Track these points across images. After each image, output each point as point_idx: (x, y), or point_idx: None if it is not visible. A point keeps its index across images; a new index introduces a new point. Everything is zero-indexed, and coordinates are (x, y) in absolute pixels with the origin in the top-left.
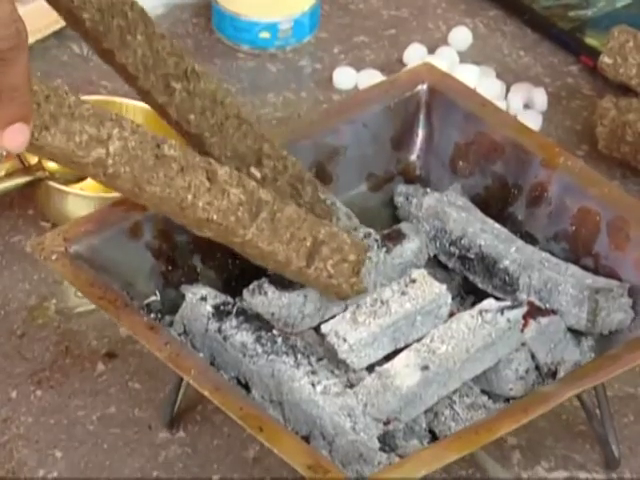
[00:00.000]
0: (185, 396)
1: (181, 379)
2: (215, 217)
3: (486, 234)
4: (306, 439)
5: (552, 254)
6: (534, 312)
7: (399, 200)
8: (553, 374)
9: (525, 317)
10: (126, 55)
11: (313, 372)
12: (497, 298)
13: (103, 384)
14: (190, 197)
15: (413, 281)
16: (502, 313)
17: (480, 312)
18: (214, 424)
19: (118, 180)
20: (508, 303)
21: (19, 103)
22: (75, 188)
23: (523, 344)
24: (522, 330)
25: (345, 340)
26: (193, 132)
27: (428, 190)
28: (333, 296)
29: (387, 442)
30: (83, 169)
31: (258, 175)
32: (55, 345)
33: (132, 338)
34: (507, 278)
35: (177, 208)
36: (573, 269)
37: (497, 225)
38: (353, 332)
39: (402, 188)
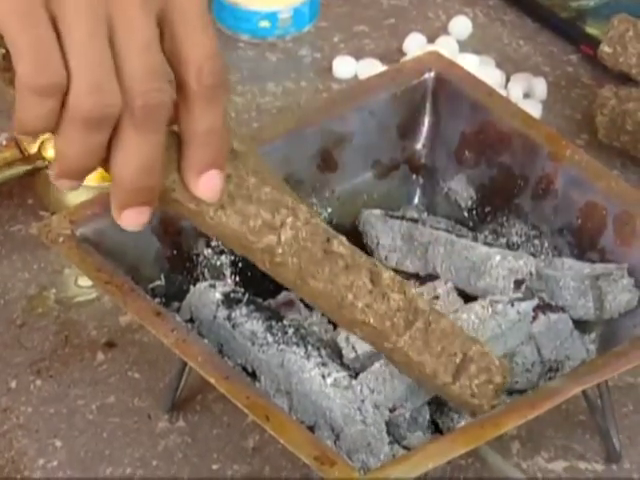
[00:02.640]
0: (186, 384)
1: (184, 366)
2: (372, 320)
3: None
4: (310, 429)
5: (557, 248)
6: (544, 307)
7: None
8: (557, 369)
9: (535, 311)
10: None
11: (324, 364)
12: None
13: (103, 373)
14: (351, 297)
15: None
16: (512, 305)
17: (491, 303)
18: (214, 413)
19: (283, 269)
20: (519, 295)
21: (215, 148)
22: None
23: (530, 337)
24: (531, 322)
25: (354, 349)
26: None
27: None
28: (468, 412)
29: (391, 432)
30: (250, 254)
31: None
32: (55, 334)
33: (132, 327)
34: None
35: (335, 306)
36: (569, 262)
37: (472, 243)
38: (363, 343)
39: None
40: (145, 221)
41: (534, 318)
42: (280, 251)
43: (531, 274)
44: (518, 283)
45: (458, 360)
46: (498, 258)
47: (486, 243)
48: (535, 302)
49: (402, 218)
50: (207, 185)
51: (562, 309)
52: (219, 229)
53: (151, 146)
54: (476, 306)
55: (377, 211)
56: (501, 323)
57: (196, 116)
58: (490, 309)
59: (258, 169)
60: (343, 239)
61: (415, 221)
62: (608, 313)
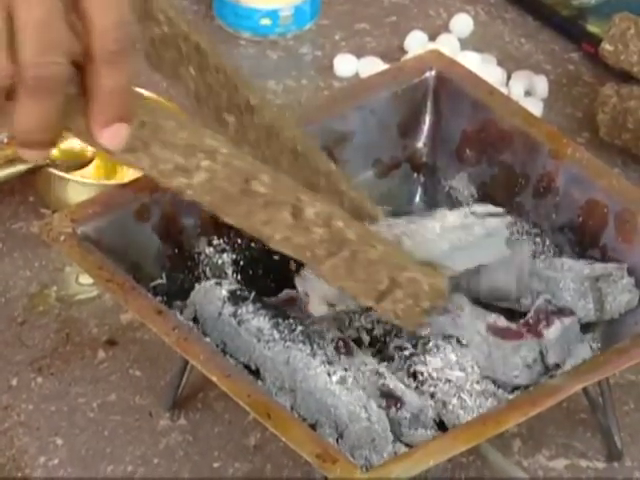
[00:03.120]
0: (187, 383)
1: (185, 364)
2: (290, 252)
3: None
4: (312, 428)
5: (558, 246)
6: (558, 312)
7: None
8: (558, 367)
9: (550, 316)
10: (178, 88)
11: (329, 362)
12: (501, 307)
13: (104, 371)
14: (268, 230)
15: None
16: (483, 220)
17: (465, 215)
18: (215, 411)
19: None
20: (497, 211)
21: (119, 105)
22: (76, 175)
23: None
24: (547, 328)
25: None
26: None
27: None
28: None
29: (393, 429)
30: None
31: None
32: (56, 332)
33: (133, 325)
34: None
35: (255, 235)
36: (569, 262)
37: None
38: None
39: None
40: (45, 156)
41: (548, 324)
42: (190, 192)
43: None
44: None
45: (383, 286)
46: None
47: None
48: (507, 219)
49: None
50: (110, 137)
51: (572, 311)
52: (132, 166)
53: (45, 110)
54: (449, 215)
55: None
56: (462, 237)
57: (100, 78)
58: (459, 221)
59: (180, 120)
60: (266, 178)
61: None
62: (608, 314)
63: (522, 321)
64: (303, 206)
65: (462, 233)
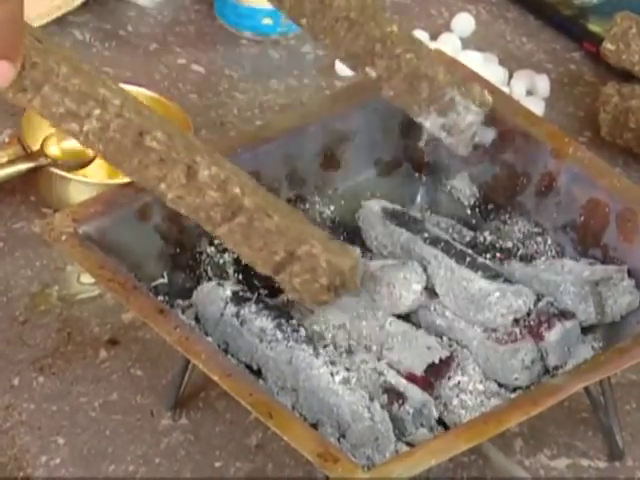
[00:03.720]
0: (189, 382)
1: (187, 364)
2: (183, 210)
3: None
4: (314, 427)
5: (560, 245)
6: (560, 315)
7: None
8: (560, 367)
9: (551, 319)
10: None
11: (332, 362)
12: None
13: (105, 371)
14: (163, 186)
15: None
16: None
17: None
18: (217, 411)
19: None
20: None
21: (11, 38)
22: (78, 175)
23: (539, 349)
24: (548, 331)
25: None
26: (308, 34)
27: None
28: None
29: (397, 426)
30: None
31: (374, 74)
32: (57, 332)
33: (135, 325)
34: None
35: (150, 190)
36: (569, 264)
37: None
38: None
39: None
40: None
41: (550, 326)
42: (82, 139)
43: (530, 311)
44: (517, 320)
45: (279, 258)
46: (497, 295)
47: (487, 276)
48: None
49: (402, 221)
50: None
51: (573, 314)
52: (24, 105)
53: None
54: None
55: (377, 208)
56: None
57: None
58: None
59: (75, 65)
60: (160, 135)
61: (416, 222)
62: (609, 317)
63: (523, 323)
64: (198, 168)
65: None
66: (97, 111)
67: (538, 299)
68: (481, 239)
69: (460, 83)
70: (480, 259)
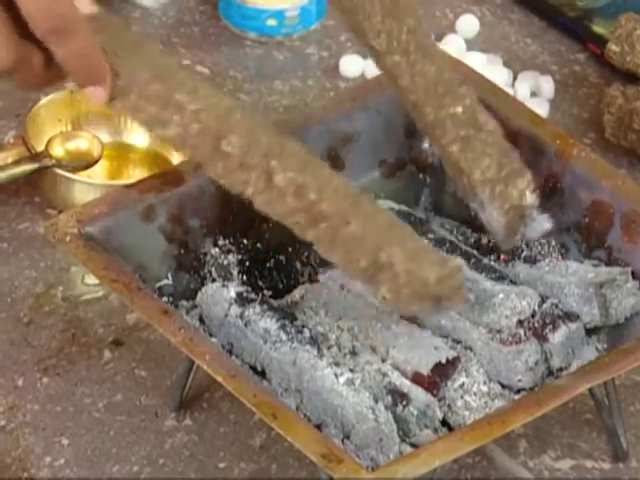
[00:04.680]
0: (193, 383)
1: (191, 365)
2: (274, 217)
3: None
4: (318, 428)
5: (564, 246)
6: (564, 317)
7: None
8: (564, 369)
9: (557, 320)
10: None
11: (336, 364)
12: None
13: (110, 372)
14: (250, 191)
15: None
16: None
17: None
18: (221, 412)
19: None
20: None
21: (91, 70)
22: (82, 176)
23: (543, 351)
24: (553, 333)
25: None
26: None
27: None
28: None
29: (401, 428)
30: None
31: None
32: (62, 332)
33: (139, 326)
34: None
35: (240, 195)
36: (573, 266)
37: (476, 276)
38: None
39: None
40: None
41: (554, 328)
42: (172, 144)
43: (534, 312)
44: (521, 322)
45: (362, 264)
46: (501, 296)
47: (491, 278)
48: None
49: (408, 222)
50: (91, 94)
51: (578, 316)
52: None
53: (80, 43)
54: None
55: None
56: None
57: (53, 51)
58: None
59: (159, 72)
60: (235, 140)
61: (421, 222)
62: (614, 319)
63: (527, 325)
64: (273, 172)
65: None
66: (176, 116)
67: (542, 300)
68: (485, 241)
69: (498, 182)
70: (485, 260)
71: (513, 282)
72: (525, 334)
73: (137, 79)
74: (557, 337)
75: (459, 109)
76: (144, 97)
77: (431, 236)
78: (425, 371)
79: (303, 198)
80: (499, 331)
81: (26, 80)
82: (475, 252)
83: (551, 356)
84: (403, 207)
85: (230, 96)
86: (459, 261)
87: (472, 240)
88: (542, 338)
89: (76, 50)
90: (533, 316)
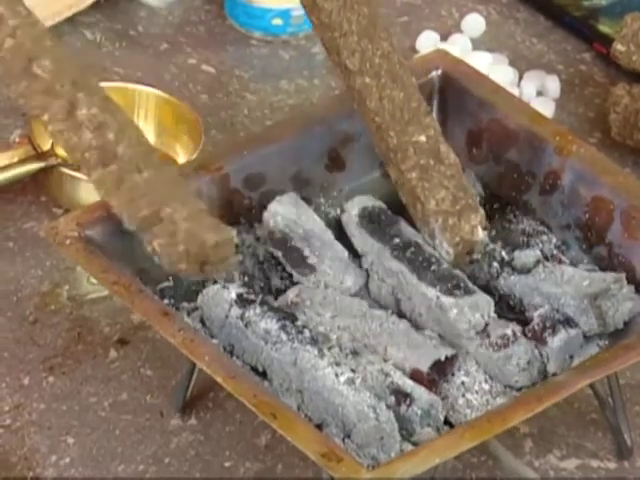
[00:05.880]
0: (197, 382)
1: (194, 365)
2: (64, 149)
3: None
4: (318, 428)
5: (564, 243)
6: (564, 322)
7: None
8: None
9: (557, 324)
10: None
11: (337, 363)
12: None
13: (115, 371)
14: (46, 117)
15: None
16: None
17: None
18: (226, 411)
19: None
20: None
21: None
22: None
23: (543, 356)
24: (552, 336)
25: None
26: None
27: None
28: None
29: (404, 427)
30: None
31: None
32: (67, 331)
33: (144, 325)
34: (511, 302)
35: (35, 117)
36: (568, 271)
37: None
38: None
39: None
40: None
41: (554, 332)
42: None
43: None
44: (480, 332)
45: (142, 215)
46: (455, 312)
47: (446, 290)
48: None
49: (376, 228)
50: None
51: (577, 324)
52: None
53: None
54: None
55: (354, 212)
56: None
57: None
58: None
59: None
60: (48, 64)
61: (390, 223)
62: (612, 327)
63: (527, 328)
64: (78, 104)
65: None
66: None
67: (497, 302)
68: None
69: (452, 214)
70: (444, 265)
71: (467, 289)
72: (514, 334)
73: None
74: (556, 341)
75: (422, 138)
76: None
77: (397, 241)
78: (424, 368)
79: (101, 137)
80: (488, 335)
81: None
82: (437, 256)
83: (548, 360)
84: (378, 203)
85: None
86: (233, 234)
87: None
88: (541, 341)
89: None
90: (529, 322)
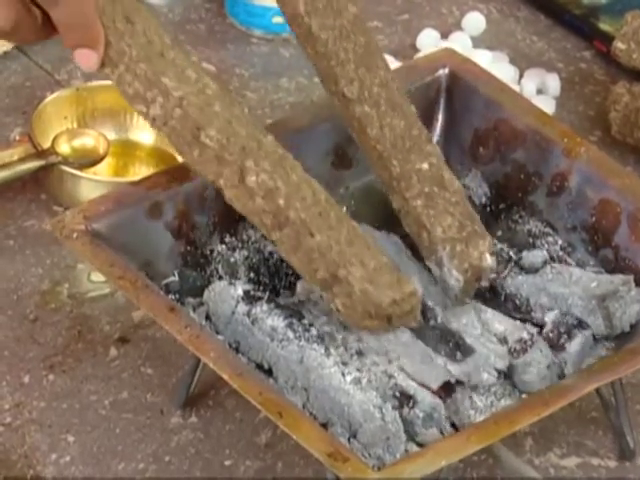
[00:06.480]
0: (199, 380)
1: (197, 362)
2: (241, 212)
3: None
4: (324, 427)
5: (571, 245)
6: (578, 325)
7: None
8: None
9: (572, 329)
10: None
11: (344, 362)
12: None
13: (115, 369)
14: (221, 182)
15: None
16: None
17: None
18: (226, 409)
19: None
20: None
21: (84, 30)
22: (88, 173)
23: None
24: (569, 342)
25: None
26: None
27: None
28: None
29: (407, 429)
30: None
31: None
32: (68, 330)
33: (145, 323)
34: (517, 302)
35: (212, 184)
36: (576, 273)
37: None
38: None
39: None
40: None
41: (570, 337)
42: (149, 122)
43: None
44: (524, 320)
45: (319, 277)
46: (442, 373)
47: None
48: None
49: None
50: (78, 58)
51: (588, 325)
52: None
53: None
54: None
55: None
56: None
57: (47, 11)
58: None
59: (148, 49)
60: (214, 134)
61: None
62: (619, 329)
63: (542, 335)
64: (246, 172)
65: None
66: (160, 99)
67: (504, 302)
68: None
69: (459, 241)
70: (432, 321)
71: (466, 349)
72: (531, 338)
73: (128, 53)
74: (574, 346)
75: (425, 165)
76: (132, 72)
77: None
78: (434, 386)
79: (271, 202)
80: (506, 341)
81: (25, 38)
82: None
83: (565, 364)
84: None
85: (217, 82)
86: (415, 286)
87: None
88: (558, 348)
89: (69, 10)
90: (543, 327)
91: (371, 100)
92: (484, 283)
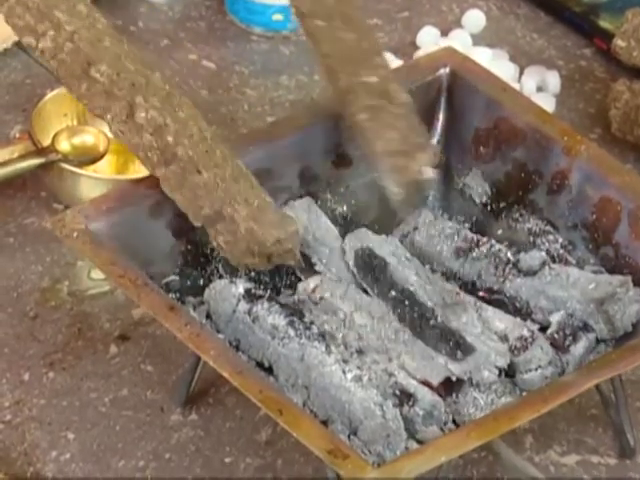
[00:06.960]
0: (199, 378)
1: (198, 360)
2: (128, 147)
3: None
4: (324, 424)
5: (571, 243)
6: (583, 328)
7: None
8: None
9: (577, 332)
10: None
11: (344, 360)
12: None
13: (115, 366)
14: (108, 117)
15: None
16: None
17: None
18: (226, 407)
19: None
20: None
21: None
22: (88, 170)
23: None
24: (574, 344)
25: None
26: None
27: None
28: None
29: (407, 427)
30: None
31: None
32: (68, 327)
33: (145, 320)
34: (517, 304)
35: (99, 117)
36: (574, 274)
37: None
38: None
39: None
40: None
41: (575, 340)
42: (38, 54)
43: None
44: (524, 318)
45: (205, 213)
46: (443, 370)
47: (433, 346)
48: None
49: (372, 278)
50: None
51: (592, 327)
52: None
53: None
54: None
55: (350, 254)
56: None
57: None
58: None
59: None
60: (105, 69)
61: (384, 270)
62: (621, 330)
63: (546, 335)
64: (136, 108)
65: None
66: (51, 32)
67: (504, 304)
68: (483, 250)
69: (400, 154)
70: (432, 321)
71: (467, 348)
72: (531, 334)
73: None
74: (578, 348)
75: (373, 78)
76: (23, 4)
77: (393, 293)
78: (435, 382)
79: (160, 138)
80: (507, 339)
81: None
82: (430, 303)
83: (567, 366)
84: (368, 249)
85: (104, 19)
86: (296, 226)
87: (469, 245)
88: (563, 350)
89: None
90: (546, 328)
91: (324, 14)
92: (426, 194)
